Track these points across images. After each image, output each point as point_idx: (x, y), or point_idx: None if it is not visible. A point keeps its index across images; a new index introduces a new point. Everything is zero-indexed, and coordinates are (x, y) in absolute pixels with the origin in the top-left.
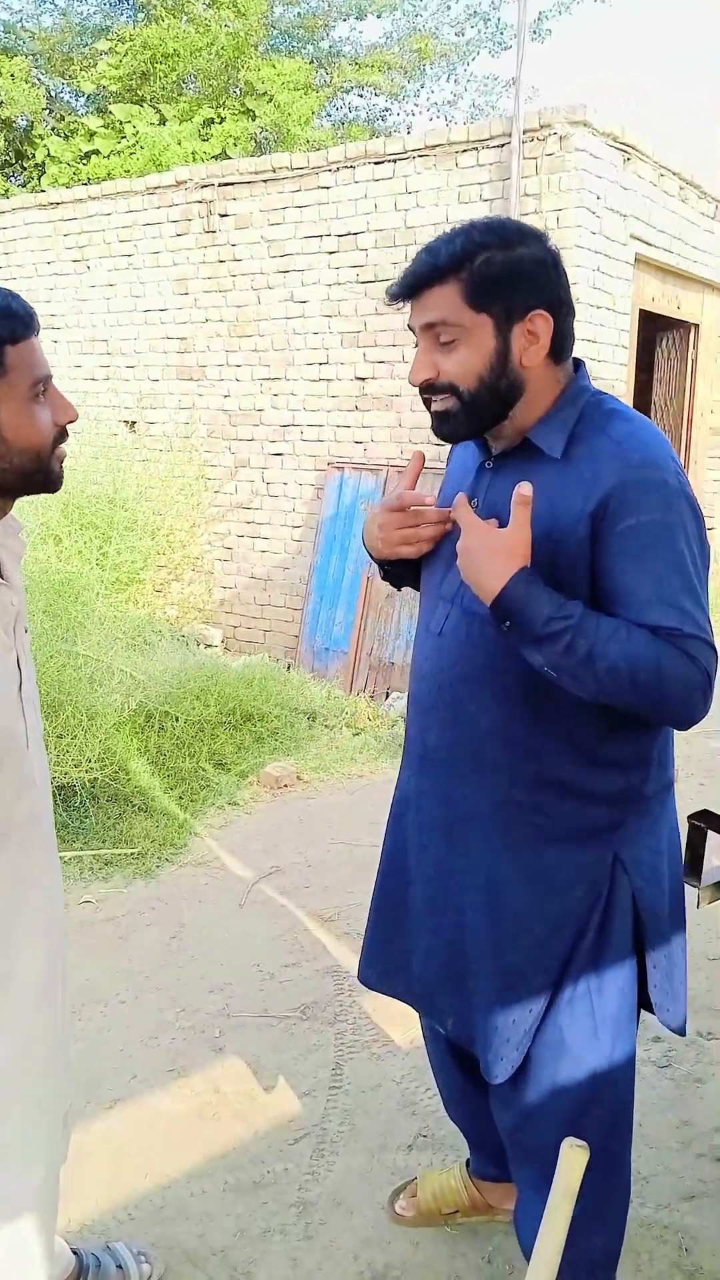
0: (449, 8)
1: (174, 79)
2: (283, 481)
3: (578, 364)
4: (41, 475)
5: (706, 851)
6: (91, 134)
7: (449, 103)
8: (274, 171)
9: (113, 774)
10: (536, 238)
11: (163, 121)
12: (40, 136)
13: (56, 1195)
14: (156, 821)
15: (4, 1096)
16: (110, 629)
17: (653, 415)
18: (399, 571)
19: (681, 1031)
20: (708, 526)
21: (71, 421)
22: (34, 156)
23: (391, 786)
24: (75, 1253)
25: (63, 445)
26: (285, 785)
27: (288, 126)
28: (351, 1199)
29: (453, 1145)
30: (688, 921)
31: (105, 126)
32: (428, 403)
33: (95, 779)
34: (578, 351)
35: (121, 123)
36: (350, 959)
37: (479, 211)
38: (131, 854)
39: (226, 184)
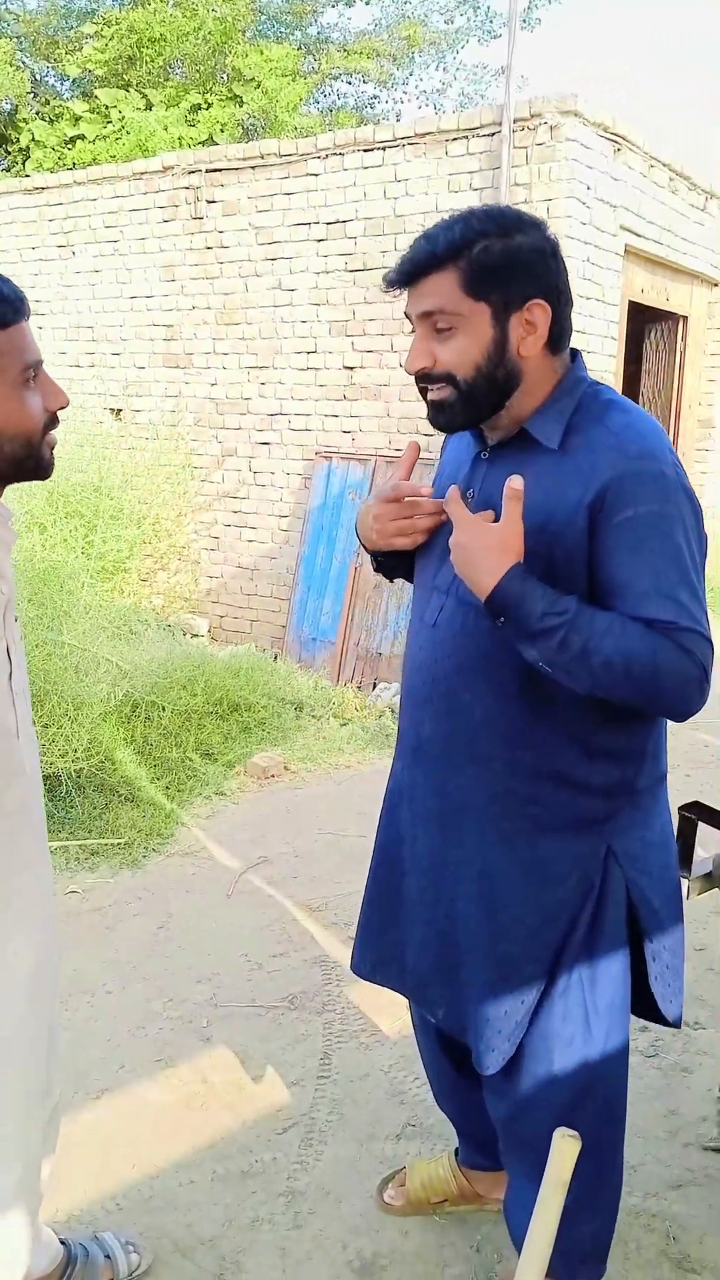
0: None
1: (161, 64)
2: (270, 471)
3: (575, 354)
4: (32, 462)
5: (697, 842)
6: (77, 119)
7: (438, 91)
8: (262, 158)
9: (99, 764)
10: (535, 226)
11: (149, 107)
12: (25, 121)
13: (37, 1189)
14: (143, 811)
15: None
16: (96, 618)
17: (641, 407)
18: (392, 563)
19: (678, 1024)
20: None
21: (63, 407)
22: (18, 141)
23: (379, 777)
24: (63, 1243)
25: (53, 432)
26: (272, 775)
27: (275, 113)
28: (340, 1188)
29: (441, 1134)
30: None
31: (91, 111)
32: (423, 392)
33: (81, 769)
34: None
35: (107, 107)
36: (338, 949)
37: (469, 200)
38: (118, 844)
39: (214, 170)
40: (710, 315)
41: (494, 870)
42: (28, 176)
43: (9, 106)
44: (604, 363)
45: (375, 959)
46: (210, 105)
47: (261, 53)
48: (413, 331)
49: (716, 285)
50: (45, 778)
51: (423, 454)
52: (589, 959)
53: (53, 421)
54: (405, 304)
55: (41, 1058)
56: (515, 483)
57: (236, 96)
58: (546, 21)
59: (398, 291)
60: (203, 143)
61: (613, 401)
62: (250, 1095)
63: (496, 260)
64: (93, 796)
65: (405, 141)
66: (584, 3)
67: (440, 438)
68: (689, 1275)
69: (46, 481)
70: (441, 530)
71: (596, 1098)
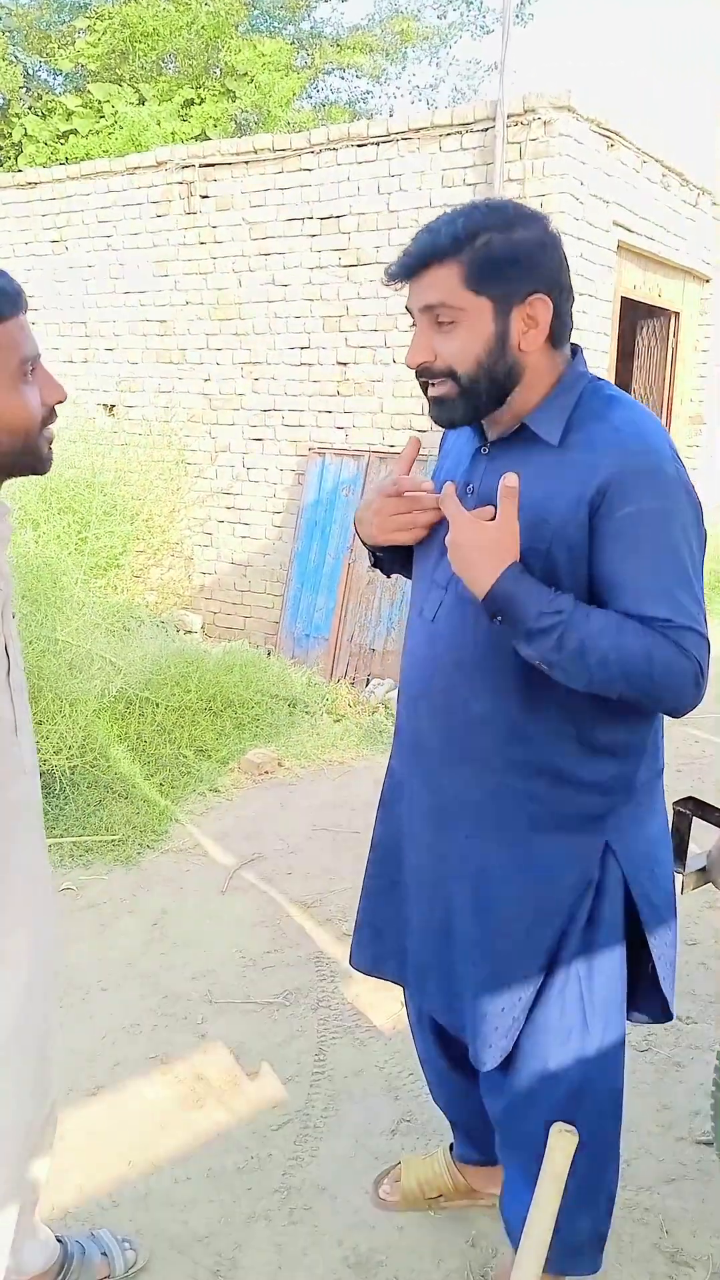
0: None
1: (153, 58)
2: (263, 467)
3: (575, 349)
4: (30, 457)
5: (691, 838)
6: (69, 113)
7: (430, 86)
8: (256, 153)
9: (92, 760)
10: (538, 220)
11: (142, 101)
12: (17, 115)
13: (29, 1190)
14: (137, 808)
15: None
16: (89, 614)
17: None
18: (390, 559)
19: (670, 1016)
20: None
21: (60, 401)
22: (10, 136)
23: (373, 773)
24: (60, 1240)
25: (51, 426)
26: (266, 772)
27: (268, 108)
28: (335, 1184)
29: (436, 1130)
30: None
31: (84, 106)
32: (424, 386)
33: (75, 766)
34: None
35: (100, 102)
36: (332, 945)
37: (462, 196)
38: (112, 841)
39: (207, 165)
40: (702, 311)
41: (491, 867)
42: (20, 171)
43: (2, 101)
44: (596, 359)
45: (376, 953)
46: (203, 100)
47: (254, 47)
48: (413, 325)
49: (708, 281)
50: (39, 774)
51: (434, 449)
52: (586, 956)
53: (51, 415)
54: (406, 298)
55: (38, 1057)
56: (510, 480)
57: (229, 91)
58: (541, 18)
59: (399, 285)
60: (195, 138)
61: (614, 397)
62: (245, 1092)
63: (499, 254)
64: (86, 793)
65: (399, 136)
66: (581, 1)
67: (437, 433)
68: (682, 1269)
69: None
70: (441, 525)
71: (593, 1093)
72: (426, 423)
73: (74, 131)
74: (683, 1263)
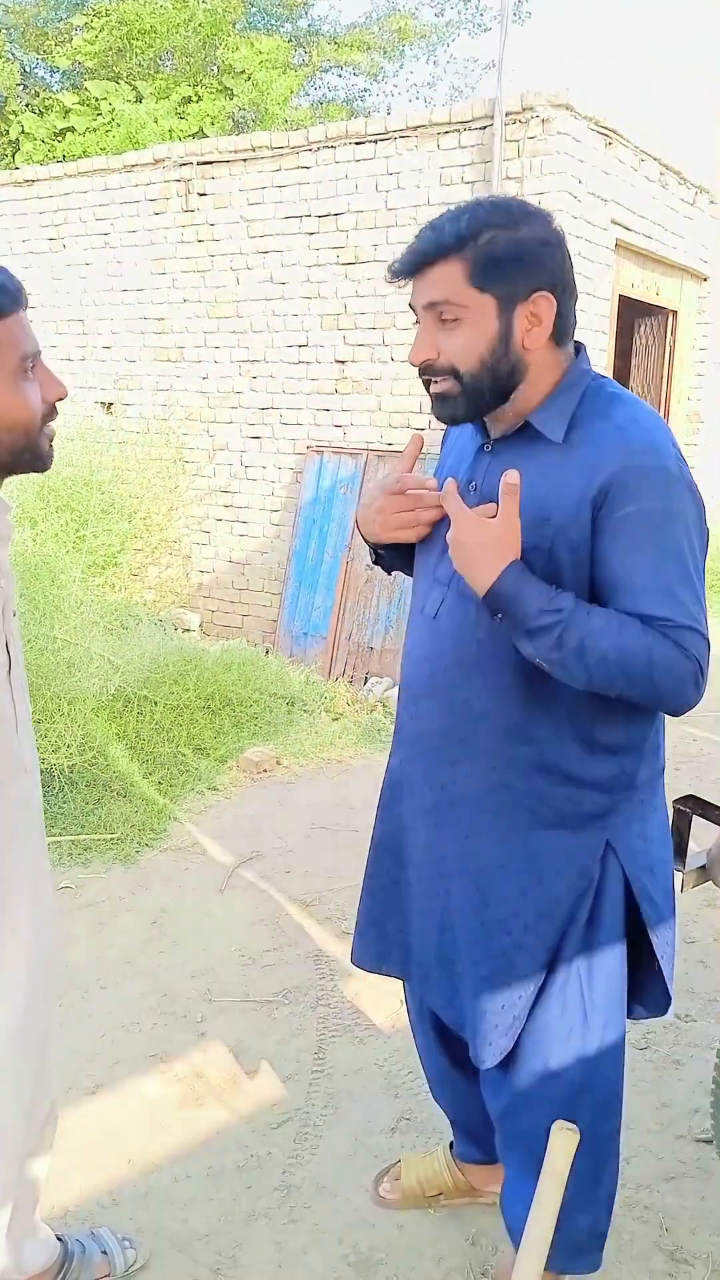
0: None
1: (151, 56)
2: (261, 465)
3: (579, 347)
4: (31, 454)
5: (690, 836)
6: (67, 111)
7: (428, 84)
8: (253, 150)
9: (91, 759)
10: (541, 218)
11: (139, 99)
12: (14, 113)
13: (28, 1187)
14: (136, 807)
15: None
16: (87, 613)
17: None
18: (392, 556)
19: (668, 1004)
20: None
21: (61, 398)
22: (7, 133)
23: (371, 771)
24: (60, 1239)
25: (52, 423)
26: (265, 770)
27: (266, 105)
28: (335, 1182)
29: (436, 1128)
30: None
31: (81, 103)
32: (427, 384)
33: (73, 764)
34: None
35: (97, 100)
36: (331, 943)
37: (460, 194)
38: (111, 839)
39: (205, 162)
40: (699, 310)
41: (491, 864)
42: (18, 169)
43: None
44: (594, 357)
45: (381, 950)
46: (200, 98)
47: (252, 45)
48: (416, 323)
49: (706, 280)
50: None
51: (432, 447)
52: (587, 954)
53: (51, 412)
54: (409, 295)
55: (39, 1055)
56: (511, 477)
57: (227, 89)
58: (539, 16)
59: (402, 282)
60: (193, 135)
61: (617, 395)
62: (245, 1090)
63: (503, 251)
64: (85, 791)
65: (397, 134)
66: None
67: (438, 431)
68: (681, 1266)
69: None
70: (443, 523)
71: (593, 1091)
72: (425, 420)
73: (71, 129)
74: (682, 1260)
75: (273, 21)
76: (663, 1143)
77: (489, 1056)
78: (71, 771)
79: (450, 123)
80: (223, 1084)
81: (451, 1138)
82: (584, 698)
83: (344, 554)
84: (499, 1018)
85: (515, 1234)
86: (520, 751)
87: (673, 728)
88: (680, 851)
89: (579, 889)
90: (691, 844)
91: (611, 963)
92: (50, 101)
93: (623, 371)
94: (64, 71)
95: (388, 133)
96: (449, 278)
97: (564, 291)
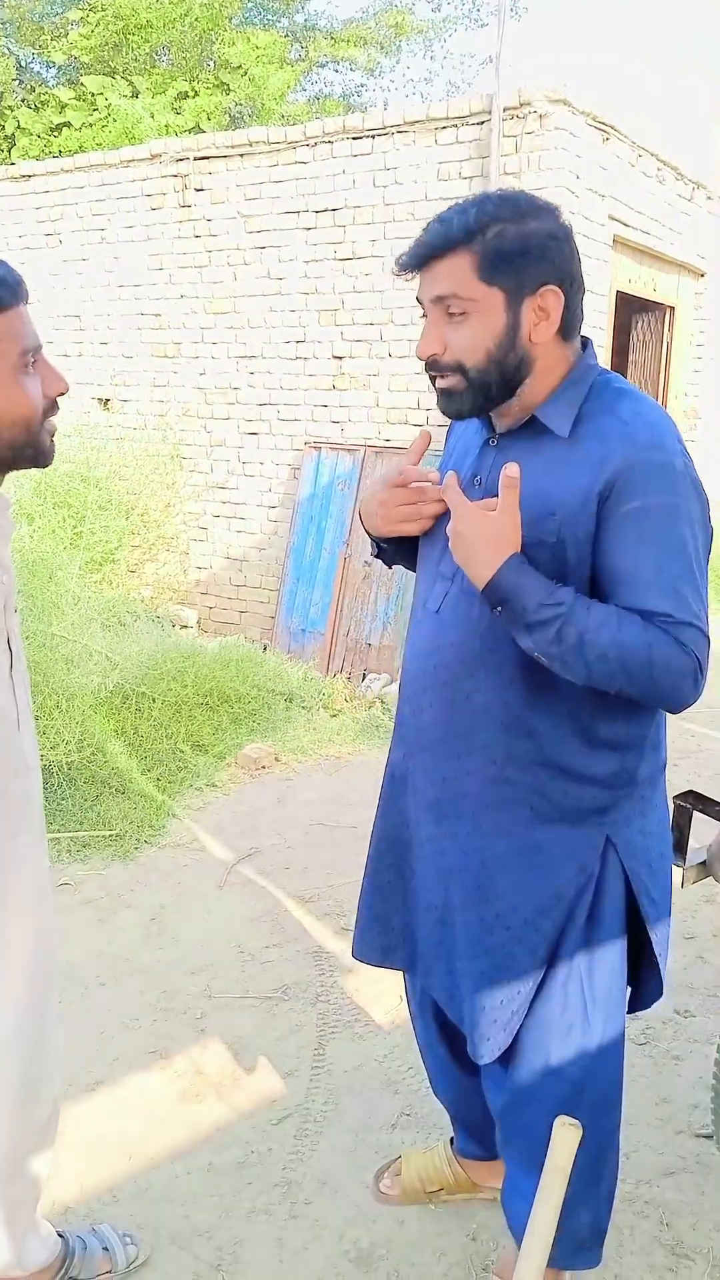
0: None
1: (147, 51)
2: (259, 461)
3: (585, 342)
4: (32, 449)
5: (691, 832)
6: (63, 106)
7: (425, 80)
8: (251, 146)
9: (89, 756)
10: (550, 211)
11: (135, 94)
12: (10, 108)
13: (30, 1184)
14: (134, 803)
15: None
16: (85, 609)
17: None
18: (393, 550)
19: (659, 994)
20: None
21: (63, 393)
22: (3, 129)
23: (369, 768)
24: (61, 1236)
25: (53, 418)
26: (263, 767)
27: (262, 101)
28: (336, 1178)
29: (436, 1124)
30: None
31: (77, 98)
32: (433, 378)
33: (72, 761)
34: None
35: (94, 95)
36: (331, 939)
37: (458, 189)
38: (109, 836)
39: (202, 158)
40: (697, 306)
41: (491, 859)
42: (14, 164)
43: None
44: None
45: (385, 944)
46: (197, 93)
47: (248, 40)
48: (423, 316)
49: (703, 275)
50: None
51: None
52: (587, 949)
53: (53, 407)
54: (416, 289)
55: (40, 1053)
56: (511, 470)
57: (223, 84)
58: (535, 12)
59: (410, 275)
60: (189, 131)
61: (624, 390)
62: (245, 1086)
63: (510, 245)
64: (83, 788)
65: (395, 129)
66: None
67: (434, 427)
68: (682, 1261)
69: (34, 472)
70: (446, 517)
71: (594, 1087)
72: (423, 417)
73: (67, 124)
74: (683, 1255)
75: (269, 16)
76: (663, 1138)
77: (487, 1052)
78: (70, 768)
79: (448, 118)
80: (223, 1080)
81: (452, 1133)
82: (586, 693)
83: (341, 550)
84: (498, 1013)
85: (516, 1229)
86: (522, 746)
87: (671, 723)
88: (680, 847)
89: (578, 883)
90: (691, 840)
91: (612, 959)
92: (46, 97)
93: (620, 368)
94: (60, 66)
95: (385, 128)
96: (456, 271)
97: (572, 285)
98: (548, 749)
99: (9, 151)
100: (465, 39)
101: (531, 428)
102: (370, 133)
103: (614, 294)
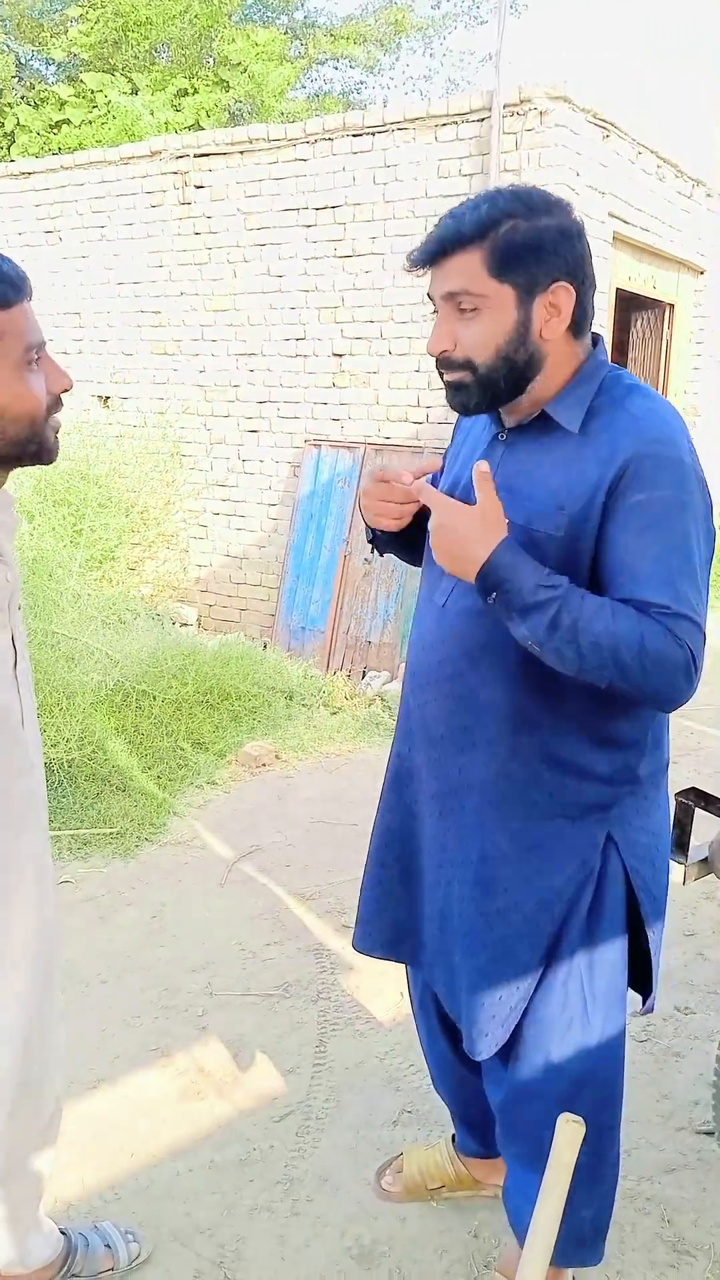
0: None
1: (146, 48)
2: (259, 459)
3: (596, 339)
4: (36, 445)
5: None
6: (62, 103)
7: (424, 77)
8: (251, 143)
9: (90, 753)
10: (561, 208)
11: (135, 91)
12: (9, 105)
13: (32, 1181)
14: (135, 801)
15: None
16: (85, 607)
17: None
18: (386, 539)
19: (650, 1009)
20: None
21: (66, 390)
22: (3, 126)
23: (370, 765)
24: (63, 1233)
25: (57, 415)
26: (264, 764)
27: (262, 98)
28: (337, 1175)
29: (437, 1121)
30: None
31: (76, 95)
32: (443, 374)
33: (73, 758)
34: None
35: (93, 92)
36: (331, 937)
37: (458, 186)
38: (110, 834)
39: (202, 155)
40: (696, 303)
41: (493, 854)
42: (13, 162)
43: None
44: None
45: (386, 937)
46: (196, 90)
47: (248, 37)
48: (434, 313)
49: (703, 273)
50: None
51: (408, 441)
52: (588, 946)
53: (56, 404)
54: (429, 285)
55: (42, 1051)
56: (483, 466)
57: (223, 81)
58: (535, 9)
59: (421, 271)
60: (189, 128)
61: (635, 386)
62: (246, 1084)
63: (522, 241)
64: (84, 786)
65: (395, 126)
66: None
67: (433, 425)
68: (684, 1257)
69: (34, 470)
70: None
71: (594, 1084)
72: (423, 414)
73: (66, 121)
74: (684, 1251)
75: (269, 13)
76: (663, 1135)
77: (484, 1047)
78: (70, 766)
79: (448, 115)
80: (224, 1078)
81: (453, 1130)
82: (589, 689)
83: (341, 548)
84: (496, 1008)
85: (518, 1226)
86: (525, 741)
87: (672, 721)
88: (682, 844)
89: (578, 879)
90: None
91: (612, 956)
92: (46, 94)
93: (619, 365)
94: (59, 64)
95: (385, 125)
96: (468, 267)
97: (583, 282)
98: (550, 744)
99: (8, 149)
100: (465, 36)
101: (541, 423)
102: (370, 130)
103: (614, 291)
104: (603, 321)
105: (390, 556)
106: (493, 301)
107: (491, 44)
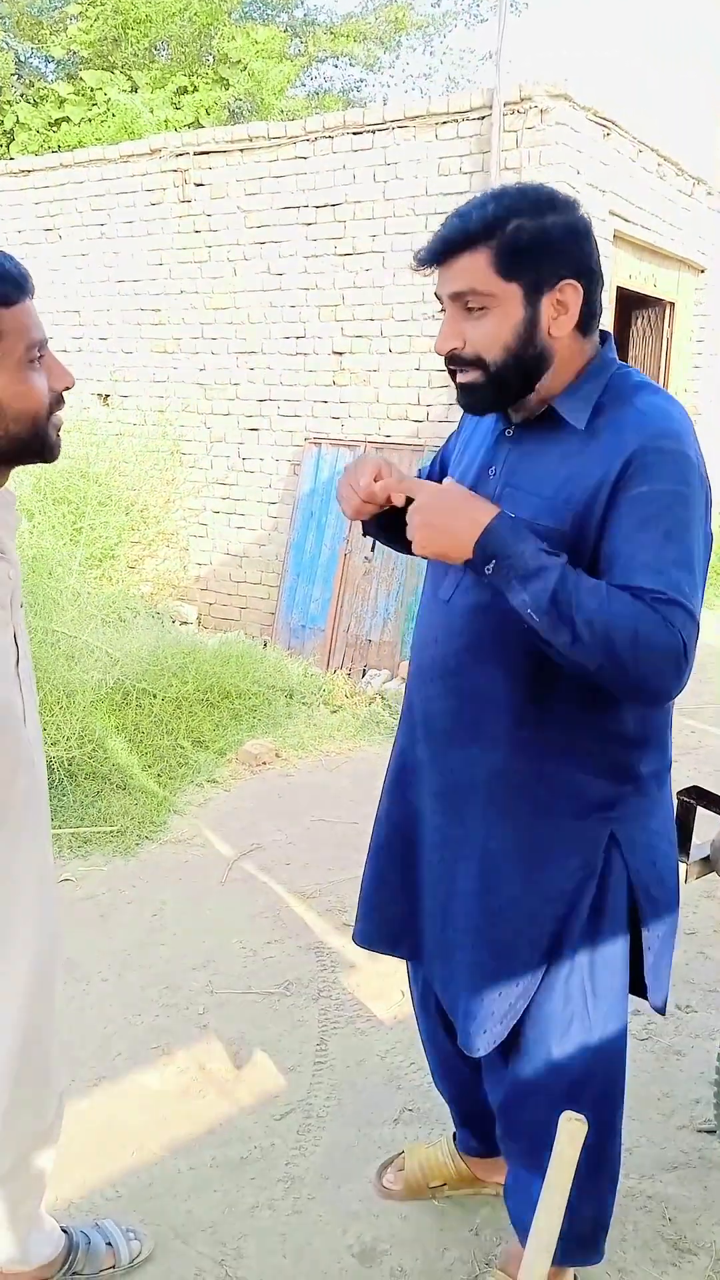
0: None
1: (146, 45)
2: (259, 457)
3: (604, 336)
4: (38, 444)
5: (695, 827)
6: (62, 101)
7: (424, 75)
8: (251, 141)
9: (90, 751)
10: (568, 205)
11: (134, 89)
12: (9, 103)
13: (34, 1180)
14: (135, 799)
15: None
16: (85, 605)
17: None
18: (373, 525)
19: (662, 1010)
20: None
21: (68, 388)
22: (2, 123)
23: (370, 763)
24: (65, 1231)
25: (59, 413)
26: (264, 763)
27: (262, 96)
28: (338, 1173)
29: (438, 1119)
30: None
31: (76, 93)
32: (453, 373)
33: (73, 757)
34: None
35: (93, 90)
36: (332, 935)
37: (459, 184)
38: (111, 832)
39: (202, 153)
40: (697, 302)
41: (495, 850)
42: (13, 159)
43: None
44: None
45: (387, 933)
46: (196, 88)
47: (248, 34)
48: (442, 311)
49: (703, 271)
50: None
51: (408, 440)
52: (590, 944)
53: (58, 402)
54: (436, 284)
55: (43, 1049)
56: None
57: (223, 79)
58: (535, 7)
59: (428, 270)
60: (189, 126)
61: (643, 384)
62: (247, 1081)
63: (529, 240)
64: (85, 784)
65: (395, 124)
66: None
67: (432, 424)
68: (685, 1255)
69: (34, 467)
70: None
71: (595, 1083)
72: (423, 413)
73: (66, 119)
74: (686, 1250)
75: (268, 11)
76: (665, 1133)
77: (481, 1044)
78: (71, 764)
79: (448, 113)
80: (225, 1076)
81: (454, 1128)
82: (594, 686)
83: (342, 546)
84: (496, 1005)
85: (519, 1224)
86: (528, 737)
87: (674, 719)
88: (684, 842)
89: (580, 877)
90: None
91: (614, 954)
92: (45, 91)
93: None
94: (59, 61)
95: (386, 123)
96: (475, 266)
97: (591, 280)
98: (555, 740)
99: (8, 146)
100: (465, 35)
101: (548, 419)
102: (370, 128)
103: (614, 290)
104: (604, 320)
105: (390, 554)
106: (500, 300)
107: (492, 42)
